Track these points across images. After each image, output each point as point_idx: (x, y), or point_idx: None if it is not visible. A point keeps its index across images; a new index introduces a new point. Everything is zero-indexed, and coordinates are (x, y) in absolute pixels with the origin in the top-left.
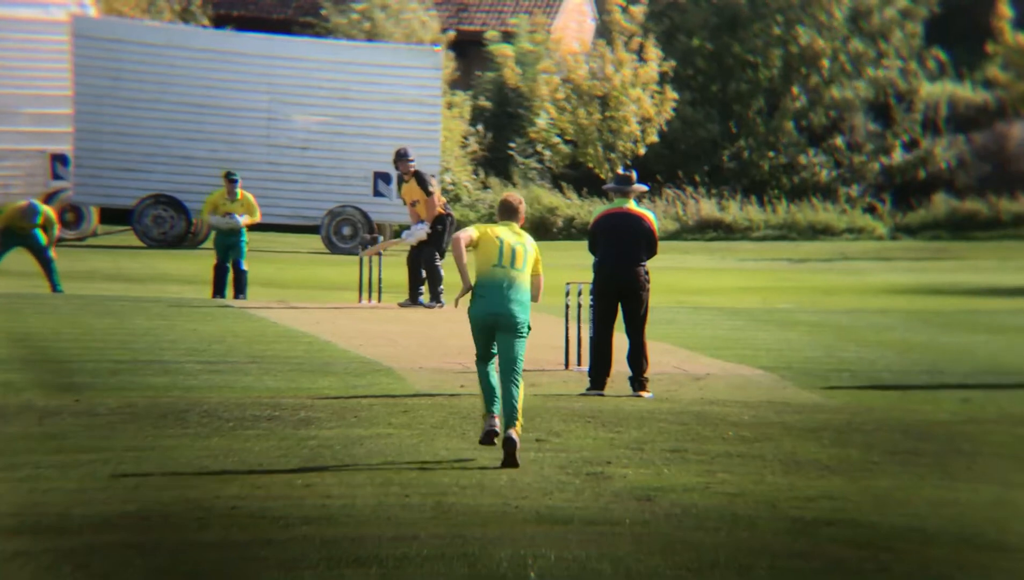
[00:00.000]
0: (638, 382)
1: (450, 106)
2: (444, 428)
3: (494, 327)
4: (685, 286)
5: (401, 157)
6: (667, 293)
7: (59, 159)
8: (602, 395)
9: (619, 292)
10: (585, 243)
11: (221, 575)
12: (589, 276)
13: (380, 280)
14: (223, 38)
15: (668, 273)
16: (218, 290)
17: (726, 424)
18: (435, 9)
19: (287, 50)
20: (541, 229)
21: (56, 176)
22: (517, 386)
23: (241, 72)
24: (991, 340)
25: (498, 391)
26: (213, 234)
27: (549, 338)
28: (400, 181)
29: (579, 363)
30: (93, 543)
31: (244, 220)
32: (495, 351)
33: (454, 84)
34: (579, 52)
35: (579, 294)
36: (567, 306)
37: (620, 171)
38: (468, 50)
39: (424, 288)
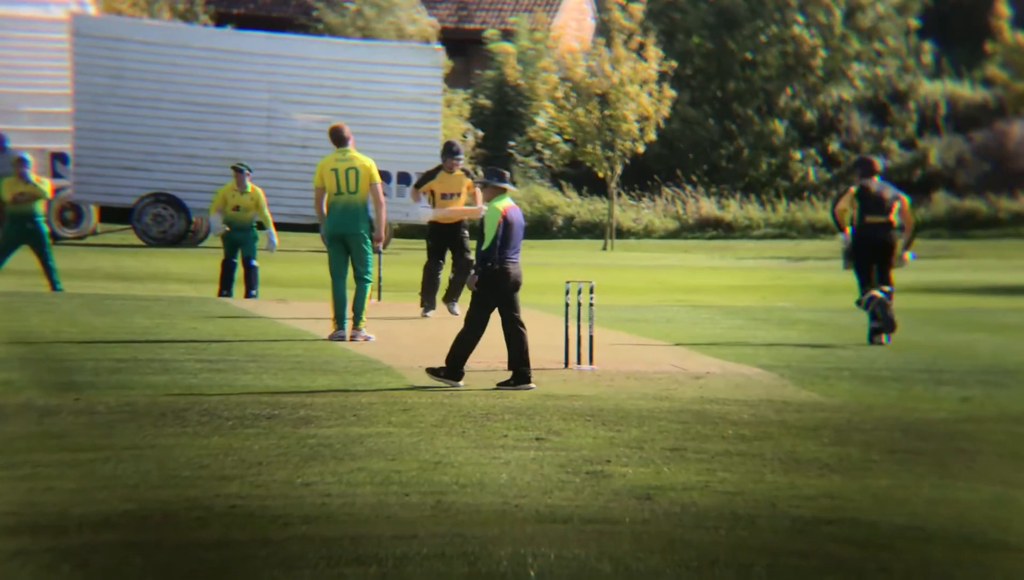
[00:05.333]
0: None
1: (449, 104)
2: (444, 427)
3: (344, 241)
4: (684, 284)
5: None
6: (666, 291)
7: (59, 157)
8: (459, 387)
9: (516, 287)
10: (584, 241)
11: (221, 574)
12: (589, 274)
13: (380, 279)
14: (223, 36)
15: (667, 271)
16: (224, 286)
17: (726, 423)
18: (423, 6)
19: (287, 48)
20: (541, 228)
21: (56, 175)
22: (366, 289)
23: (241, 70)
24: (991, 338)
25: (347, 306)
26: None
27: (549, 337)
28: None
29: (579, 361)
30: (92, 542)
31: (274, 242)
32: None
33: (452, 82)
34: (578, 50)
35: (579, 293)
36: (567, 305)
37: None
38: (468, 49)
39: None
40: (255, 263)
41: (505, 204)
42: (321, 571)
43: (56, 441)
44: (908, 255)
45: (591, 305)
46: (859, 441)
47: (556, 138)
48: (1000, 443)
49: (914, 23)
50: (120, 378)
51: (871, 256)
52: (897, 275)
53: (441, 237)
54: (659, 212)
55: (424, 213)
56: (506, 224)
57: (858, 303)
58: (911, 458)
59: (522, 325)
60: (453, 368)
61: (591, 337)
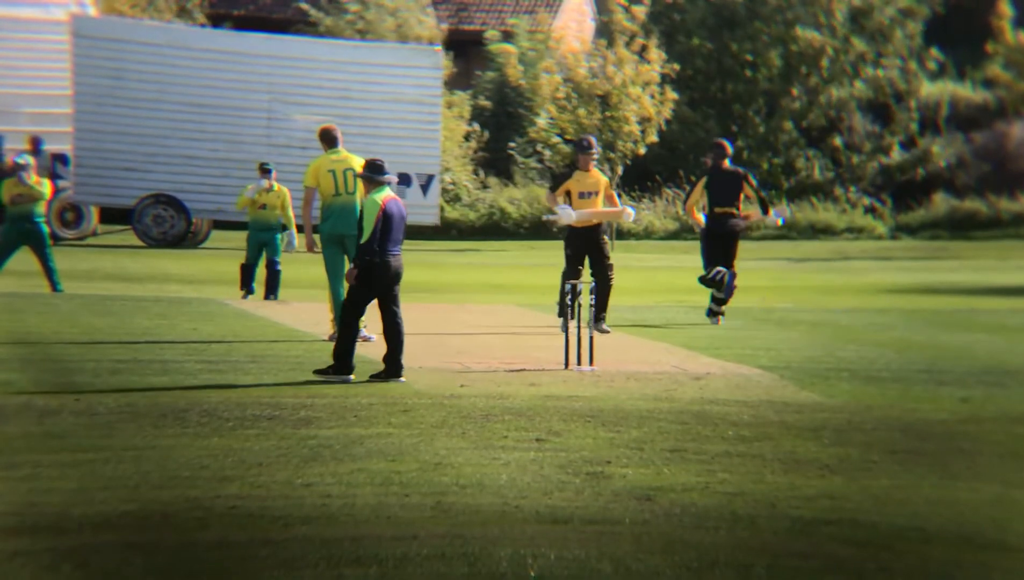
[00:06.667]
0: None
1: (450, 106)
2: (444, 428)
3: (343, 242)
4: (684, 285)
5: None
6: (666, 292)
7: (59, 159)
8: (349, 381)
9: (395, 280)
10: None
11: (221, 575)
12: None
13: None
14: (223, 38)
15: (668, 272)
16: (245, 284)
17: (726, 423)
18: (432, 8)
19: (287, 50)
20: (541, 229)
21: (56, 176)
22: None
23: (241, 72)
24: (991, 339)
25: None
26: (247, 231)
27: (549, 338)
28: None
29: (579, 362)
30: (93, 543)
31: (294, 242)
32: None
33: (453, 84)
34: (580, 51)
35: (579, 293)
36: (567, 306)
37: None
38: (468, 50)
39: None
40: (279, 267)
41: (384, 196)
42: (321, 572)
43: (56, 441)
44: (778, 219)
45: (591, 306)
46: (859, 442)
47: (557, 139)
48: (1000, 443)
49: (918, 27)
50: (120, 379)
51: (720, 244)
52: (893, 277)
53: (581, 241)
54: (659, 213)
55: (566, 215)
56: (386, 217)
57: (701, 280)
58: (911, 459)
59: (400, 320)
60: (343, 364)
61: (591, 338)
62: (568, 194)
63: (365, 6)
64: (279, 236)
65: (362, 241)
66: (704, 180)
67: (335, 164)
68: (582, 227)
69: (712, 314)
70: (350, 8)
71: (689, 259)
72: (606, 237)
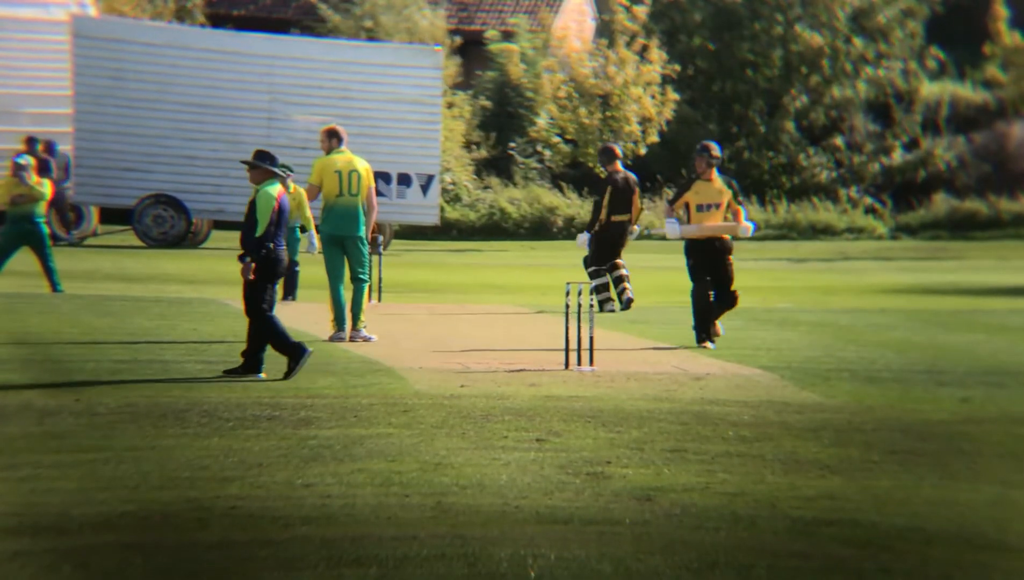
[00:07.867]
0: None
1: (450, 106)
2: (444, 428)
3: (343, 244)
4: (685, 286)
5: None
6: (666, 293)
7: None
8: (259, 379)
9: (284, 273)
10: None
11: (221, 575)
12: (586, 276)
13: (380, 280)
14: (223, 38)
15: (667, 273)
16: (289, 291)
17: (726, 424)
18: (440, 9)
19: (288, 50)
20: (541, 229)
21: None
22: (363, 289)
23: (241, 72)
24: (991, 339)
25: (346, 309)
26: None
27: (549, 338)
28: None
29: (579, 363)
30: (93, 543)
31: (315, 244)
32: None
33: (456, 86)
34: (582, 50)
35: (579, 294)
36: (567, 306)
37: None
38: (468, 50)
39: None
40: (297, 268)
41: (279, 190)
42: (321, 572)
43: (57, 442)
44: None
45: (591, 306)
46: (859, 442)
47: (557, 139)
48: (1000, 444)
49: (919, 27)
50: (120, 379)
51: (614, 252)
52: (893, 277)
53: (700, 254)
54: (660, 213)
55: (671, 230)
56: (280, 210)
57: (593, 273)
58: (911, 459)
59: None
60: (255, 362)
61: (591, 338)
62: (687, 207)
63: (376, 6)
64: (298, 237)
65: (257, 234)
66: (610, 189)
67: (342, 165)
68: (702, 239)
69: (603, 306)
70: (363, 6)
71: None
72: (731, 257)
